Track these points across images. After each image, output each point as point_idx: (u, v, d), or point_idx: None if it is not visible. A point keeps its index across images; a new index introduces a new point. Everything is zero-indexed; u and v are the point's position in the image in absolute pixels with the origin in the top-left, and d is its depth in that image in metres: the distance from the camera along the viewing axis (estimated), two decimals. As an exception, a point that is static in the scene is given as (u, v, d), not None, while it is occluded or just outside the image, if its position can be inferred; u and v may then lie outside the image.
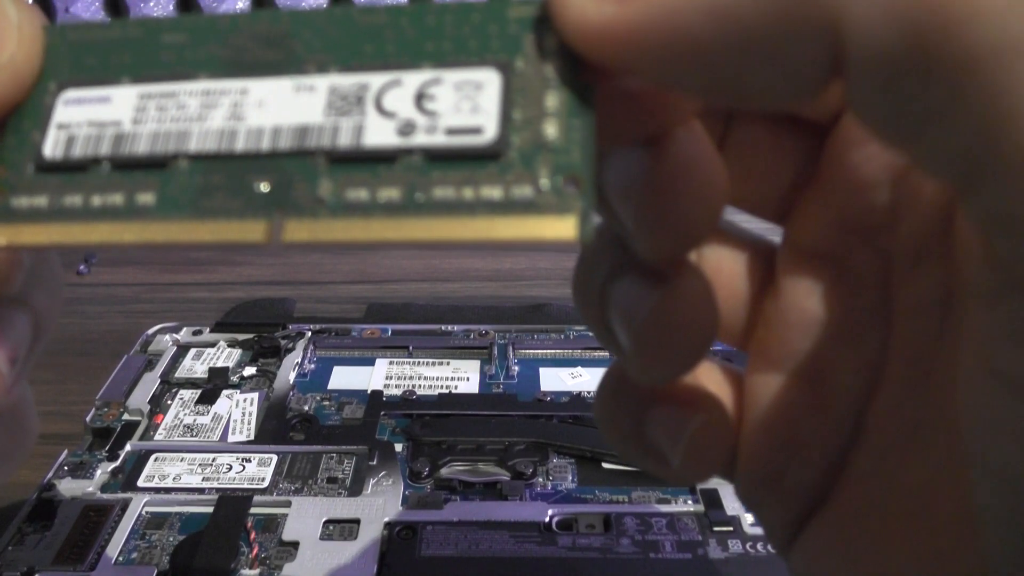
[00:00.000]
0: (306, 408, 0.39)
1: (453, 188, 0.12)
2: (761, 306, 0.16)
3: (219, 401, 0.39)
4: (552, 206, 0.12)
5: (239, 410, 0.38)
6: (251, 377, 0.41)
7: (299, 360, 0.42)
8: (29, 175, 0.14)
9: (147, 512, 0.32)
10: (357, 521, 0.31)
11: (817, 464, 0.16)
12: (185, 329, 0.45)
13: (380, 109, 0.13)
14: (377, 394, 0.39)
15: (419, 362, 0.42)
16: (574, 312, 0.47)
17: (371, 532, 0.31)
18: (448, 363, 0.42)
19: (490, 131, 0.12)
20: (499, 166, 0.12)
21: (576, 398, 0.39)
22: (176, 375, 0.41)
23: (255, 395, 0.39)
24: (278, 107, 0.13)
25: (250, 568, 0.30)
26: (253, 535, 0.31)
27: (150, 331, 0.45)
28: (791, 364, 0.16)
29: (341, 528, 0.31)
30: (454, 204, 0.12)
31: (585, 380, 0.41)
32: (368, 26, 0.14)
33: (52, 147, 0.14)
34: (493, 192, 0.12)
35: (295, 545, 0.30)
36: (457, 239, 0.12)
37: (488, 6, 0.13)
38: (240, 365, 0.42)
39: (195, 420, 0.38)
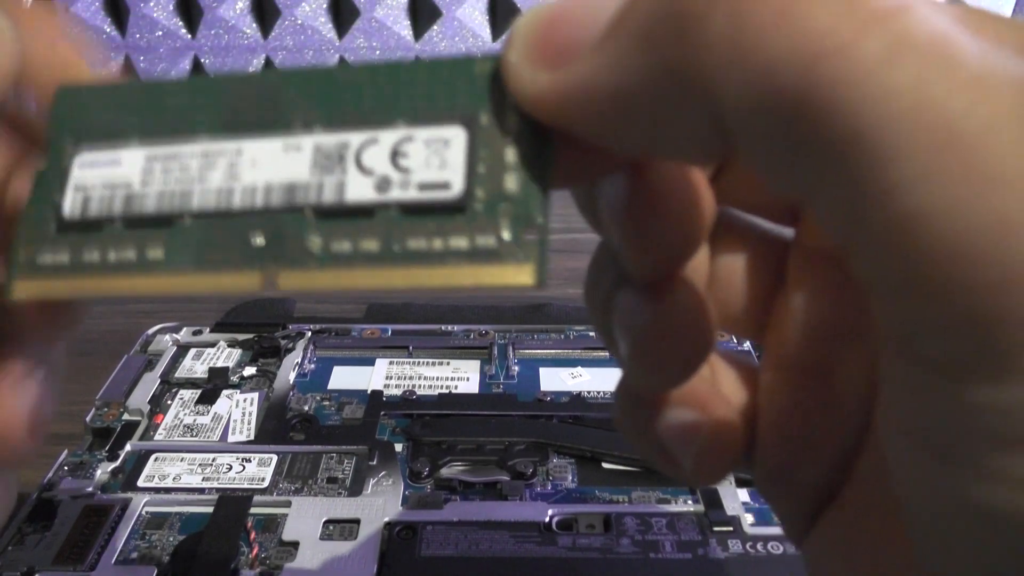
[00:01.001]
0: (306, 408, 0.39)
1: (425, 239, 0.14)
2: (775, 303, 0.17)
3: (219, 401, 0.39)
4: (511, 254, 0.13)
5: (239, 410, 0.38)
6: (251, 377, 0.41)
7: (299, 360, 0.42)
8: (52, 233, 0.15)
9: (147, 512, 0.32)
10: (357, 521, 0.31)
11: (827, 461, 0.16)
12: (185, 329, 0.45)
13: (360, 166, 0.14)
14: (377, 394, 0.39)
15: (419, 362, 0.42)
16: (574, 312, 0.47)
17: (371, 532, 0.31)
18: (448, 363, 0.42)
19: (456, 186, 0.14)
20: (465, 217, 0.14)
21: (576, 398, 0.39)
22: (176, 375, 0.41)
23: (255, 395, 0.39)
24: (269, 165, 0.15)
25: (250, 568, 0.30)
26: (253, 535, 0.31)
27: (150, 331, 0.45)
28: (801, 362, 0.16)
29: (341, 528, 0.31)
30: (426, 254, 0.14)
31: (585, 380, 0.41)
32: (349, 83, 0.15)
33: (71, 207, 0.15)
34: (460, 242, 0.14)
35: (295, 545, 0.30)
36: (429, 286, 0.14)
37: (455, 63, 0.15)
38: (240, 365, 0.42)
39: (195, 420, 0.38)
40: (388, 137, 0.14)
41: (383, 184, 0.14)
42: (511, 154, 0.14)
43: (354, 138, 0.14)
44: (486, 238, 0.13)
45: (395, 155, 0.14)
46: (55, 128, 0.16)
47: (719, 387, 0.17)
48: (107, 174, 0.15)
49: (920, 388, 0.11)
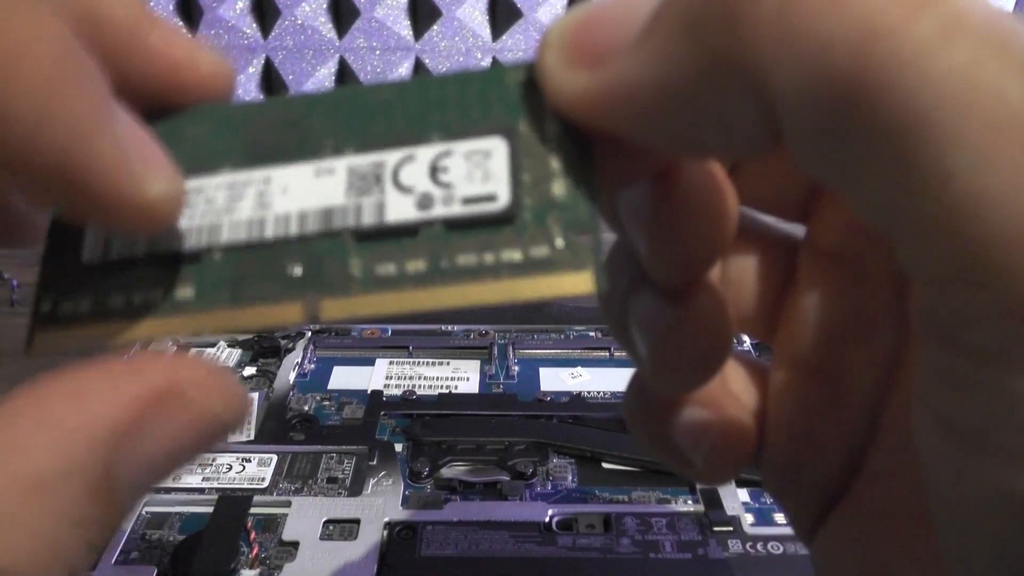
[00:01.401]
0: (306, 408, 0.39)
1: (475, 254, 0.13)
2: (785, 303, 0.17)
3: (219, 401, 0.39)
4: (568, 262, 0.13)
5: (239, 410, 0.38)
6: (251, 377, 0.41)
7: (299, 360, 0.42)
8: (70, 279, 0.14)
9: (147, 512, 0.32)
10: (357, 521, 0.31)
11: (835, 460, 0.16)
12: (185, 329, 0.45)
13: (398, 185, 0.14)
14: (377, 394, 0.39)
15: (419, 362, 0.42)
16: (574, 312, 0.47)
17: (371, 532, 0.31)
18: (448, 363, 0.42)
19: (503, 197, 0.13)
20: (514, 228, 0.13)
21: (576, 398, 0.39)
22: (176, 375, 0.41)
23: (255, 395, 0.39)
24: (301, 192, 0.14)
25: (250, 568, 0.30)
26: (253, 535, 0.31)
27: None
28: (809, 362, 0.16)
29: (341, 528, 0.31)
30: (477, 269, 0.13)
31: (585, 380, 0.41)
32: (376, 103, 0.14)
33: (90, 251, 0.14)
34: (512, 254, 0.13)
35: (295, 545, 0.30)
36: (484, 302, 0.13)
37: (486, 74, 0.14)
38: (240, 365, 0.42)
39: (195, 420, 0.38)
40: (425, 153, 0.14)
41: (425, 201, 0.13)
42: (555, 161, 0.13)
43: (389, 157, 0.14)
44: (539, 248, 0.13)
45: (434, 171, 0.14)
46: None
47: (728, 386, 0.17)
48: None
49: (959, 377, 0.11)
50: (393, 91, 0.14)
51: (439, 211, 0.13)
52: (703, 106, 0.12)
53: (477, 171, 0.13)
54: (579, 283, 0.13)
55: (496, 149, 0.14)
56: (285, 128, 0.14)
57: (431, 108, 0.14)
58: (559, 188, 0.13)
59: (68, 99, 0.11)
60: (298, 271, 0.13)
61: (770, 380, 0.17)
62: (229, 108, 0.15)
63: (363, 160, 0.14)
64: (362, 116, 0.14)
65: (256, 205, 0.14)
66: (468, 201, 0.13)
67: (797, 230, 0.17)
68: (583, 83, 0.13)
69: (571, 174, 0.13)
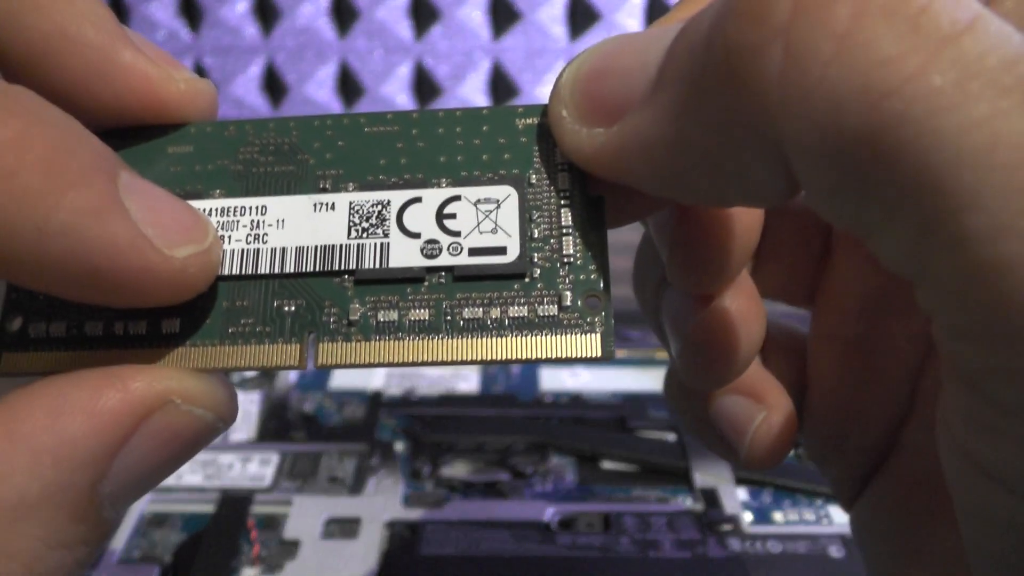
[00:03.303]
0: (307, 407, 0.39)
1: (482, 308, 0.13)
2: (823, 274, 0.17)
3: (220, 401, 0.39)
4: (577, 324, 0.13)
5: (240, 409, 0.38)
6: (252, 377, 0.41)
7: (300, 360, 0.42)
8: (42, 301, 0.13)
9: (149, 511, 0.32)
10: (358, 520, 0.31)
11: (875, 431, 0.16)
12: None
13: (403, 229, 0.13)
14: (377, 394, 0.40)
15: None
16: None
17: (372, 531, 0.31)
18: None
19: (512, 251, 0.13)
20: (523, 285, 0.13)
21: (576, 398, 0.39)
22: (177, 375, 0.41)
23: (256, 394, 0.40)
24: (299, 226, 0.13)
25: (251, 567, 0.30)
26: (254, 534, 0.31)
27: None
28: (849, 332, 0.16)
29: (342, 527, 0.31)
30: (483, 325, 0.13)
31: (585, 380, 0.41)
32: (378, 136, 0.14)
33: None
34: (520, 311, 0.13)
35: (296, 544, 0.30)
36: (488, 359, 0.13)
37: (496, 115, 0.14)
38: (241, 365, 0.42)
39: (196, 419, 0.38)
40: (433, 197, 0.13)
41: (432, 248, 0.13)
42: (566, 216, 0.13)
43: (394, 196, 0.13)
44: (547, 306, 0.13)
45: (442, 216, 0.13)
46: None
47: (767, 360, 0.17)
48: None
49: (982, 419, 0.10)
50: (396, 123, 0.14)
51: (446, 260, 0.13)
52: (718, 163, 0.11)
53: (487, 221, 0.13)
54: (587, 346, 0.12)
55: (506, 199, 0.13)
56: (282, 154, 0.14)
57: (437, 147, 0.14)
58: (570, 247, 0.13)
59: (68, 201, 0.11)
60: (292, 310, 0.13)
61: (810, 349, 0.17)
62: (221, 127, 0.14)
63: (366, 198, 0.13)
64: (365, 149, 0.14)
65: (250, 237, 0.13)
66: (476, 252, 0.13)
67: None
68: (600, 140, 0.13)
69: (582, 230, 0.13)
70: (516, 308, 0.13)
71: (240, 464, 0.35)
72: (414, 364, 0.13)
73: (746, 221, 0.15)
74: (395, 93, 0.78)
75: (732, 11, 0.10)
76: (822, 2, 0.10)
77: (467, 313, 0.13)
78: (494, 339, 0.13)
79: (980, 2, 0.09)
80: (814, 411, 0.17)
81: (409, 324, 0.13)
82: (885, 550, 0.16)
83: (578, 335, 0.13)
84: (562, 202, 0.13)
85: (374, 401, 0.39)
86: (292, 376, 0.41)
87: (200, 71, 0.78)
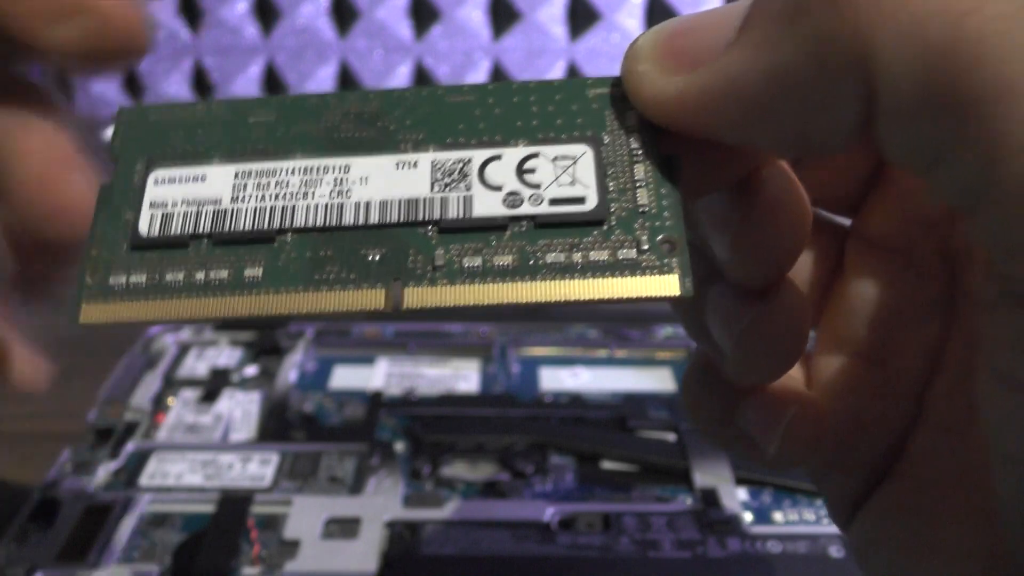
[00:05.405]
0: (307, 407, 0.39)
1: (564, 253, 0.13)
2: (830, 289, 0.17)
3: (220, 400, 0.39)
4: (655, 266, 0.13)
5: (240, 409, 0.39)
6: (252, 376, 0.41)
7: (300, 359, 0.42)
8: (124, 252, 0.14)
9: (149, 511, 0.32)
10: (358, 520, 0.31)
11: (881, 444, 0.16)
12: (187, 329, 0.45)
13: (484, 182, 0.14)
14: (377, 394, 0.40)
15: (419, 361, 0.43)
16: (574, 311, 0.47)
17: (372, 531, 0.31)
18: (448, 363, 0.43)
19: (591, 200, 0.14)
20: (602, 231, 0.14)
21: (576, 398, 0.40)
22: (178, 374, 0.41)
23: (256, 394, 0.40)
24: (382, 182, 0.14)
25: (251, 567, 0.30)
26: (254, 534, 0.31)
27: (152, 331, 0.45)
28: (856, 347, 0.16)
29: (342, 527, 0.31)
30: (566, 267, 0.13)
31: (585, 380, 0.41)
32: (456, 105, 0.15)
33: (147, 225, 0.14)
34: (601, 255, 0.13)
35: (296, 544, 0.30)
36: (573, 299, 0.13)
37: (567, 85, 0.15)
38: (241, 364, 0.42)
39: (196, 419, 0.38)
40: (512, 154, 0.14)
41: (513, 199, 0.14)
42: (640, 170, 0.14)
43: (475, 154, 0.14)
44: (627, 251, 0.13)
45: (522, 171, 0.14)
46: (122, 145, 0.15)
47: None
48: (190, 190, 0.14)
49: None
50: (473, 94, 0.15)
51: (527, 209, 0.14)
52: (808, 91, 0.12)
53: (565, 175, 0.14)
54: (666, 286, 0.13)
55: (582, 155, 0.14)
56: (363, 121, 0.15)
57: (513, 114, 0.14)
58: (644, 196, 0.14)
59: None
60: (376, 258, 0.13)
61: (813, 364, 0.17)
62: (303, 99, 0.15)
63: (448, 156, 0.14)
64: (443, 116, 0.15)
65: (334, 192, 0.14)
66: (556, 202, 0.14)
67: (843, 219, 0.17)
68: (681, 86, 0.13)
69: (656, 183, 0.14)
70: (596, 252, 0.13)
71: (240, 464, 0.35)
72: (499, 305, 0.13)
73: (803, 205, 0.15)
74: (395, 93, 0.77)
75: None
76: None
77: (551, 257, 0.13)
78: (577, 280, 0.13)
79: None
80: (825, 420, 0.17)
81: (494, 269, 0.13)
82: (897, 559, 0.16)
83: (657, 275, 0.13)
84: (636, 159, 0.14)
85: (374, 401, 0.39)
86: (292, 376, 0.41)
87: (200, 71, 0.78)
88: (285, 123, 0.15)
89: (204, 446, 0.36)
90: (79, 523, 0.31)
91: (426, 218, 0.14)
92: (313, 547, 0.30)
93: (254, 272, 0.13)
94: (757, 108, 0.13)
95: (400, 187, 0.14)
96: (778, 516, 0.32)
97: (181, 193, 0.14)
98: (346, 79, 0.77)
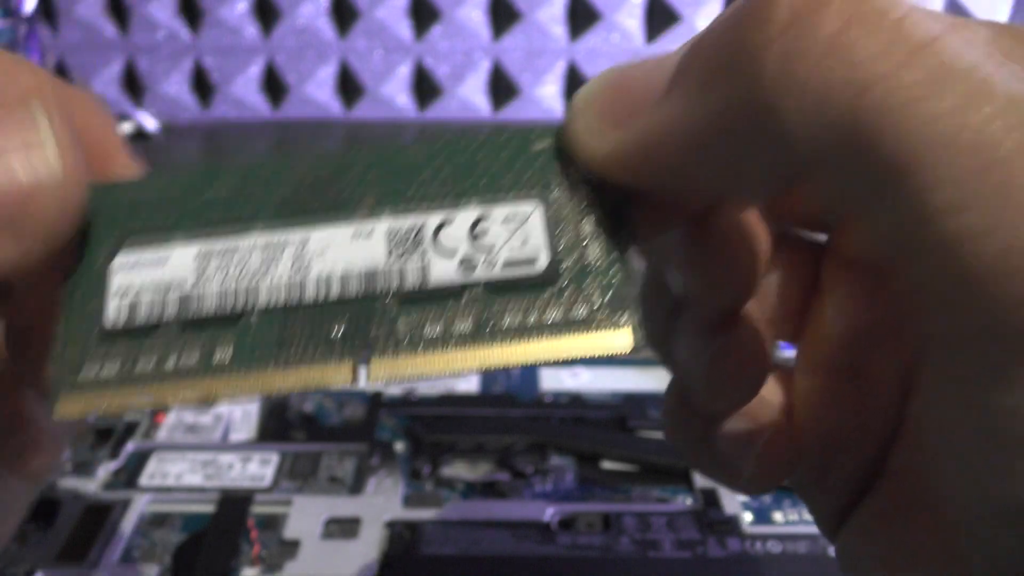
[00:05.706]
0: (307, 407, 0.39)
1: (519, 315, 0.14)
2: (808, 307, 0.17)
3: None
4: (607, 322, 0.14)
5: (240, 409, 0.39)
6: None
7: (300, 360, 0.42)
8: (94, 344, 0.14)
9: (149, 511, 0.32)
10: (358, 520, 0.32)
11: (860, 460, 0.16)
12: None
13: (439, 248, 0.14)
14: (377, 394, 0.40)
15: (420, 362, 0.43)
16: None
17: (372, 531, 0.31)
18: (448, 363, 0.43)
19: (542, 261, 0.14)
20: (554, 291, 0.14)
21: (576, 398, 0.40)
22: (177, 375, 0.41)
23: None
24: (340, 254, 0.14)
25: (251, 567, 0.30)
26: (254, 534, 0.31)
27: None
28: (835, 365, 0.17)
29: (342, 527, 0.31)
30: (522, 329, 0.14)
31: (585, 380, 0.41)
32: (406, 167, 0.15)
33: (114, 315, 0.14)
34: (554, 315, 0.14)
35: (296, 544, 0.30)
36: (531, 361, 0.14)
37: (512, 142, 0.15)
38: (241, 365, 0.42)
39: (196, 419, 0.38)
40: (464, 217, 0.14)
41: (467, 264, 0.14)
42: (588, 224, 0.14)
43: (428, 220, 0.14)
44: (579, 308, 0.14)
45: (474, 234, 0.14)
46: (84, 230, 0.14)
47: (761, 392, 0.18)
48: (154, 275, 0.14)
49: (954, 397, 0.12)
50: (422, 154, 0.15)
51: (482, 274, 0.14)
52: (725, 149, 0.12)
53: (515, 236, 0.14)
54: (617, 341, 0.13)
55: (532, 214, 0.14)
56: (316, 188, 0.15)
57: (462, 172, 0.15)
58: (594, 251, 0.14)
59: None
60: (340, 333, 0.14)
61: (796, 382, 0.17)
62: (254, 165, 0.15)
63: (401, 223, 0.14)
64: (394, 178, 0.15)
65: (294, 268, 0.14)
66: (509, 264, 0.14)
67: (819, 237, 0.17)
68: (613, 141, 0.14)
69: (605, 237, 0.14)
70: (550, 312, 0.14)
71: (240, 464, 0.35)
72: (461, 373, 0.13)
73: (754, 242, 0.16)
74: (395, 93, 0.78)
75: (740, 16, 0.12)
76: (815, 9, 0.11)
77: (506, 322, 0.14)
78: (534, 343, 0.13)
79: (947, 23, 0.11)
80: (801, 440, 0.17)
81: (454, 335, 0.13)
82: (878, 573, 0.16)
83: (609, 332, 0.13)
84: (583, 212, 0.14)
85: (374, 401, 0.39)
86: (292, 376, 0.41)
87: (200, 71, 0.78)
88: (243, 196, 0.15)
89: (204, 446, 0.36)
90: (79, 523, 0.31)
91: (385, 290, 0.14)
92: (313, 547, 0.30)
93: (224, 354, 0.13)
94: (678, 163, 0.13)
95: (358, 259, 0.14)
96: (778, 516, 0.32)
97: (145, 278, 0.14)
98: (346, 79, 0.77)
